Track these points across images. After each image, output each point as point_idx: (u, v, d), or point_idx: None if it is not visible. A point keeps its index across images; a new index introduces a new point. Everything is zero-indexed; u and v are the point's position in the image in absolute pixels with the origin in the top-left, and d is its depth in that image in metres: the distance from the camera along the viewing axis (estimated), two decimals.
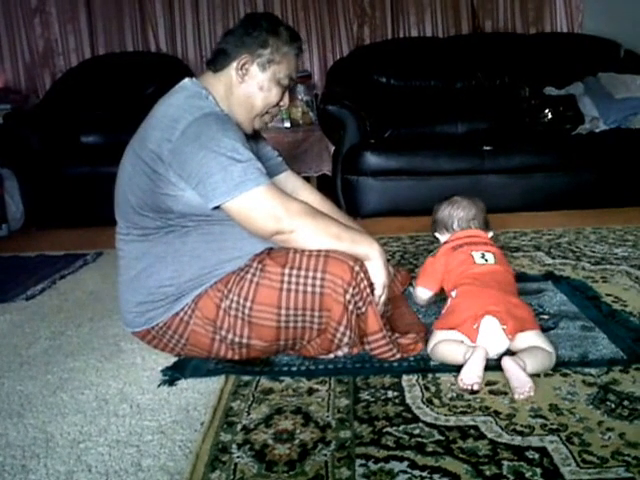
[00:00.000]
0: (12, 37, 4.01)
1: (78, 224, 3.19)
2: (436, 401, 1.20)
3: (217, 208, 1.30)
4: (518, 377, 1.20)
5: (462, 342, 1.33)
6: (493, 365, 1.32)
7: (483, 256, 1.49)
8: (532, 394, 1.19)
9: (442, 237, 1.66)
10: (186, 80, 1.43)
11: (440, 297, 1.63)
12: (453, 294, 1.45)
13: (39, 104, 3.73)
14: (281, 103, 1.46)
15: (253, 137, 1.53)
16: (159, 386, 1.33)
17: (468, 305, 1.37)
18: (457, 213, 1.63)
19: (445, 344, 1.33)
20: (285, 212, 1.29)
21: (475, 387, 1.22)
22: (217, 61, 1.41)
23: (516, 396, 1.19)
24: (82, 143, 3.53)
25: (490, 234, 1.64)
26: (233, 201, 1.28)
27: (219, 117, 1.33)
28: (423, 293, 1.61)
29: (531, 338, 1.31)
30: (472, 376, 1.22)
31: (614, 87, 3.38)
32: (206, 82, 1.41)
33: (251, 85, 1.41)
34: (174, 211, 1.33)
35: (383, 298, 1.40)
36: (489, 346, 1.30)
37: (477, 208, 1.64)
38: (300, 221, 1.31)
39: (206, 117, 1.30)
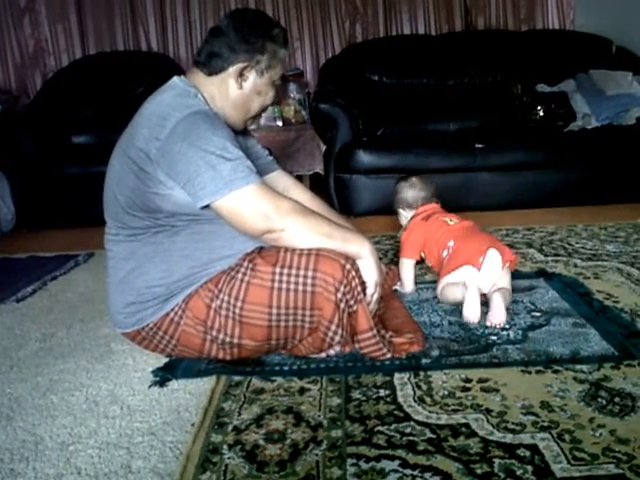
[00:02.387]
0: (1, 37, 3.98)
1: (69, 225, 3.18)
2: (428, 399, 1.20)
3: (206, 207, 1.29)
4: (500, 310, 1.53)
5: (461, 284, 1.61)
6: (486, 362, 1.34)
7: (451, 220, 1.82)
8: (501, 326, 1.53)
9: (405, 213, 1.95)
10: (175, 78, 1.41)
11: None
12: (451, 243, 1.72)
13: (30, 105, 3.70)
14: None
15: (242, 134, 1.52)
16: (150, 387, 1.32)
17: (470, 244, 1.68)
18: (420, 194, 1.92)
19: (448, 287, 1.66)
20: (275, 211, 1.28)
21: (475, 320, 1.54)
22: (210, 64, 1.38)
23: (488, 323, 1.53)
24: (73, 143, 3.51)
25: None
26: (222, 200, 1.26)
27: (208, 115, 1.32)
28: (409, 263, 1.84)
29: (506, 276, 1.66)
30: (473, 312, 1.55)
31: (606, 84, 3.39)
32: (196, 81, 1.39)
33: (249, 90, 1.40)
34: (163, 210, 1.32)
35: (376, 296, 1.40)
36: (490, 274, 1.62)
37: (431, 187, 1.94)
38: (291, 220, 1.30)
39: (195, 115, 1.29)
